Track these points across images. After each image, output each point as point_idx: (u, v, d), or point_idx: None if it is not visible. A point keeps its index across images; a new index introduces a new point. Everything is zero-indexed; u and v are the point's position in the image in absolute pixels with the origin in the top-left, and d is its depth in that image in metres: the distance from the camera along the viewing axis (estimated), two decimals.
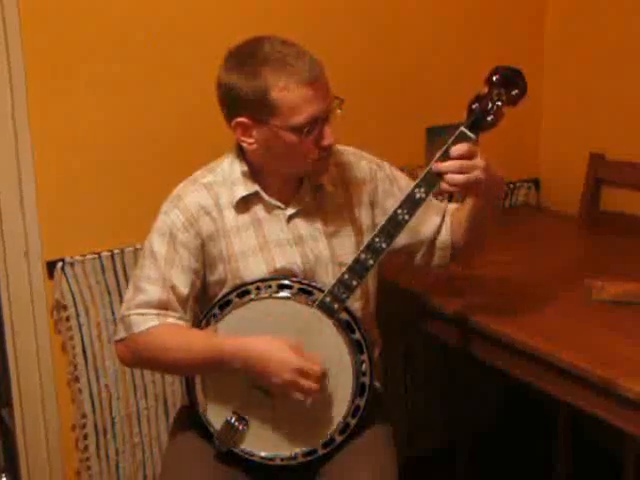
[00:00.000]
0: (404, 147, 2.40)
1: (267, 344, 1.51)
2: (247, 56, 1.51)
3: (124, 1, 1.98)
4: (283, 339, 1.51)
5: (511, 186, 2.65)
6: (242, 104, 1.51)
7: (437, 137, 2.38)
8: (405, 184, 1.73)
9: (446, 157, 1.50)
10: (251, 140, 1.55)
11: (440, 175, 1.50)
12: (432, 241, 1.74)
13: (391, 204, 1.66)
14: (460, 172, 1.48)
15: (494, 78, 1.51)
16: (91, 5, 1.94)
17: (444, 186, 1.50)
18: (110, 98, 2.00)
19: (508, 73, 1.52)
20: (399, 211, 1.51)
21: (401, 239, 1.57)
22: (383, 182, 1.73)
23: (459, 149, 1.49)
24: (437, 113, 2.38)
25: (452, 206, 1.77)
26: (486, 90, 1.52)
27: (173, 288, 1.57)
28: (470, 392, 2.53)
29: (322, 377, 1.52)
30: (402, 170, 2.36)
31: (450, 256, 1.75)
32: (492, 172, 1.54)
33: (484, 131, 1.51)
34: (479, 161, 1.50)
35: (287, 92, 1.47)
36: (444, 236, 1.74)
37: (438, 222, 1.74)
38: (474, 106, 1.51)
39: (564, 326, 1.74)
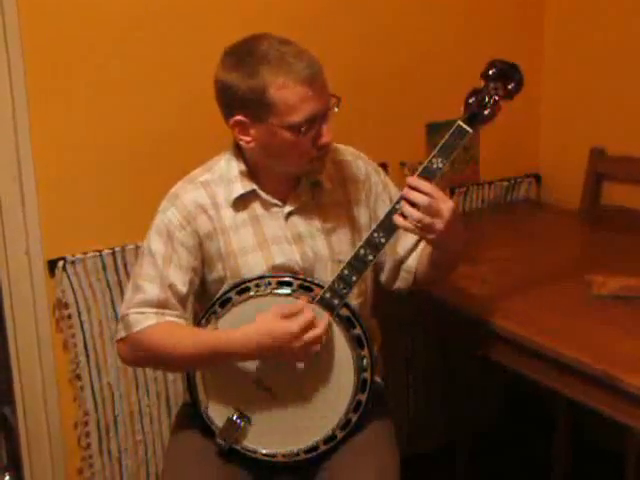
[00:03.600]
0: (404, 143, 2.40)
1: (262, 330, 1.50)
2: (245, 54, 1.51)
3: (123, 0, 1.98)
4: (270, 314, 1.51)
5: (512, 181, 2.65)
6: (240, 103, 1.51)
7: (437, 133, 2.39)
8: (395, 193, 1.73)
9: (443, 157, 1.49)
10: (249, 138, 1.55)
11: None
12: (400, 261, 1.73)
13: (381, 209, 1.67)
14: (424, 208, 1.46)
15: (490, 72, 1.51)
16: (90, 4, 1.95)
17: (397, 220, 1.48)
18: (110, 97, 2.01)
19: (504, 67, 1.52)
20: (397, 206, 1.51)
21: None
22: (376, 185, 1.73)
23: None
24: (437, 109, 2.37)
25: None
26: (483, 84, 1.52)
27: (171, 287, 1.57)
28: (470, 392, 2.53)
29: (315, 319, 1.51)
30: (403, 165, 2.38)
31: (412, 281, 1.74)
32: (455, 225, 1.50)
33: (481, 125, 1.51)
34: (447, 209, 1.47)
35: (285, 90, 1.47)
36: (411, 261, 1.73)
37: (412, 243, 1.72)
38: (471, 100, 1.51)
39: (565, 321, 1.73)
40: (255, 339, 1.50)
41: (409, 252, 1.73)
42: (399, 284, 1.75)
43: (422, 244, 1.72)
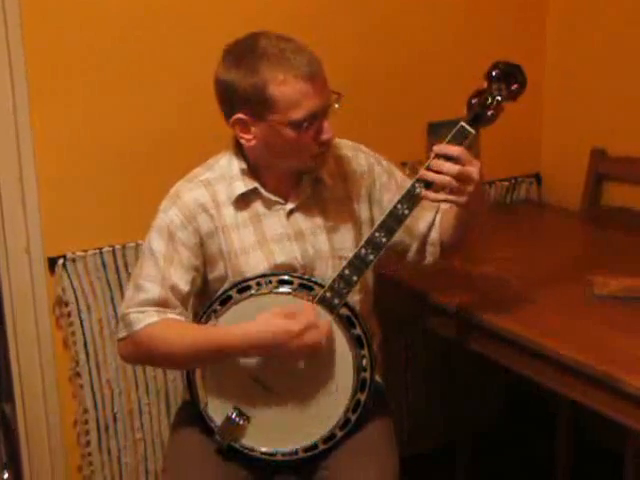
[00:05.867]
0: (406, 143, 2.40)
1: (263, 327, 1.50)
2: (245, 52, 1.50)
3: (123, 0, 1.98)
4: (271, 313, 1.51)
5: (512, 181, 2.64)
6: (241, 100, 1.51)
7: (438, 132, 2.38)
8: (401, 179, 1.74)
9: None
10: (250, 136, 1.55)
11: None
12: (425, 237, 1.74)
13: (388, 198, 1.67)
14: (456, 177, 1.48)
15: (493, 73, 1.51)
16: (91, 4, 1.95)
17: (428, 195, 1.49)
18: (110, 97, 2.01)
19: (508, 68, 1.52)
20: (399, 206, 1.51)
21: (397, 235, 1.56)
22: (380, 176, 1.73)
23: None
24: (439, 108, 2.38)
25: (444, 206, 1.75)
26: (486, 85, 1.52)
27: (172, 286, 1.57)
28: (470, 392, 2.53)
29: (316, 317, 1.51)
30: (404, 165, 2.37)
31: (440, 252, 1.75)
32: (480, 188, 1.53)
33: (484, 126, 1.51)
34: (476, 171, 1.49)
35: (285, 87, 1.47)
36: (434, 234, 1.73)
37: (432, 218, 1.74)
38: (474, 101, 1.51)
39: (566, 322, 1.73)
40: (255, 335, 1.50)
41: (430, 227, 1.73)
42: (429, 258, 1.75)
43: (439, 216, 1.74)
